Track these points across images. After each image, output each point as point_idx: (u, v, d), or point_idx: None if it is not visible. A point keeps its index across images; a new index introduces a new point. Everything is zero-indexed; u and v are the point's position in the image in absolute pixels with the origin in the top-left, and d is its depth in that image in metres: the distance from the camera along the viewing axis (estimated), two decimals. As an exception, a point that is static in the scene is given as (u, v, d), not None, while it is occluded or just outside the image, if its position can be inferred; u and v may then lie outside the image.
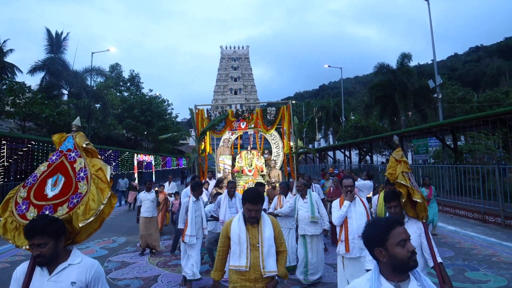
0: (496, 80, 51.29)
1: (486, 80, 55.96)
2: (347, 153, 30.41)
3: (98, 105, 26.27)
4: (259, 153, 10.56)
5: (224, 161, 10.04)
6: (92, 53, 24.28)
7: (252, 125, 10.02)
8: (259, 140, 12.06)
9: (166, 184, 11.81)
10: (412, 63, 28.04)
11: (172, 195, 10.79)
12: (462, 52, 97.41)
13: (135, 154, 26.34)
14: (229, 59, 68.28)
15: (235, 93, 65.97)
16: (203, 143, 9.46)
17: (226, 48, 68.93)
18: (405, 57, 25.85)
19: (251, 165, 10.06)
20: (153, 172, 32.08)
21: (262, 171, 10.05)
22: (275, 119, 9.53)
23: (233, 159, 10.37)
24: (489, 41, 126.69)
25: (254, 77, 67.80)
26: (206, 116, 9.57)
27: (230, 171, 9.81)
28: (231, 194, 6.36)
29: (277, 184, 8.19)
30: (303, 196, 5.85)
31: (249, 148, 10.60)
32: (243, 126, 10.10)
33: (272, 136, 10.81)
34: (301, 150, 10.52)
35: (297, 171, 8.98)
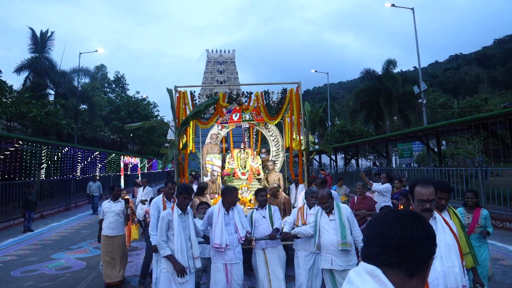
0: (475, 87, 52.98)
1: (466, 87, 57.74)
2: (332, 157, 30.89)
3: (84, 106, 25.92)
4: (255, 152, 8.78)
5: (212, 162, 8.21)
6: (80, 53, 24.02)
7: (247, 117, 8.28)
8: (254, 136, 9.96)
9: (140, 189, 9.78)
10: (394, 70, 28.74)
11: (146, 202, 8.83)
12: (443, 60, 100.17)
13: (122, 156, 26.10)
14: (215, 62, 68.25)
15: (221, 83, 66.07)
16: (184, 136, 7.47)
17: (212, 51, 68.96)
18: (390, 63, 26.57)
19: (245, 167, 8.25)
20: (139, 175, 31.82)
21: (258, 174, 8.25)
22: (281, 104, 7.32)
23: (223, 160, 8.69)
24: (468, 49, 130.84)
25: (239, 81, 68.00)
26: (190, 101, 7.37)
27: (219, 174, 8.05)
28: (231, 204, 4.49)
29: (281, 190, 7.03)
30: (328, 210, 4.13)
31: (242, 146, 8.72)
32: (235, 118, 8.16)
33: (271, 131, 9.03)
34: (310, 147, 7.99)
35: (308, 174, 7.04)
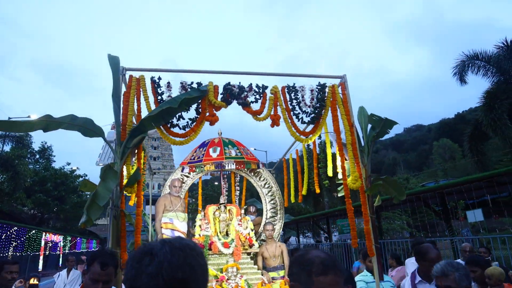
0: (393, 169, 58.79)
1: (385, 168, 63.76)
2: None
3: (4, 176, 23.31)
4: (242, 211, 5.71)
5: (173, 225, 5.22)
6: (9, 118, 22.32)
7: (233, 153, 5.45)
8: (237, 186, 6.74)
9: (63, 272, 6.79)
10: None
11: None
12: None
13: (44, 233, 23.20)
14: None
15: (154, 159, 63.99)
16: (134, 159, 4.13)
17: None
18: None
19: (228, 234, 5.43)
20: (61, 255, 28.23)
21: (250, 246, 5.36)
22: (321, 107, 4.38)
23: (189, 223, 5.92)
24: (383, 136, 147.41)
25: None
26: (151, 92, 4.10)
27: None
28: None
29: None
30: None
31: (222, 201, 5.76)
32: (214, 155, 5.40)
33: (262, 179, 6.06)
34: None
35: (376, 240, 4.15)
